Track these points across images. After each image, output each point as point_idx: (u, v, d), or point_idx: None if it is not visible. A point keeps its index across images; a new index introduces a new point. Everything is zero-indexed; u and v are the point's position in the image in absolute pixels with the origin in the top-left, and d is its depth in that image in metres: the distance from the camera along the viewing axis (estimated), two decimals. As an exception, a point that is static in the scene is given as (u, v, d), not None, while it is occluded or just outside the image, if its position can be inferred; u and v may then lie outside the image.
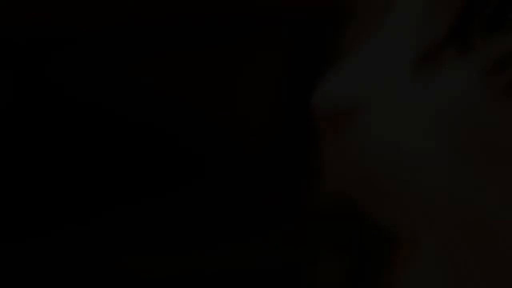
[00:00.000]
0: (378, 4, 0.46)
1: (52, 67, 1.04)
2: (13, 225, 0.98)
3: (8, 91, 1.04)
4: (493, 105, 0.38)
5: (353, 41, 0.45)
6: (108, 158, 1.06)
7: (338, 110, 0.41)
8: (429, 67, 0.41)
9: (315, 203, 0.51)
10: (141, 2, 1.05)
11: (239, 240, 0.99)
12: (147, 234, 1.02)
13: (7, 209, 0.99)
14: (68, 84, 1.05)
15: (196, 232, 1.03)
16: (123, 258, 0.99)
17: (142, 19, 1.06)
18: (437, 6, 0.41)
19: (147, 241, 1.02)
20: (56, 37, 1.02)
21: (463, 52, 0.40)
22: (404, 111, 0.41)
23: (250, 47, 1.11)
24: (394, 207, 0.42)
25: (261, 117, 1.13)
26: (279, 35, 1.11)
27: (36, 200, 1.00)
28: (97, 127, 1.07)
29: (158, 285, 0.97)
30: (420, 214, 0.41)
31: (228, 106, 1.15)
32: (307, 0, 1.07)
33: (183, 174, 1.08)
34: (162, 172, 1.08)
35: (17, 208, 0.99)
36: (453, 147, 0.40)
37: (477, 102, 0.39)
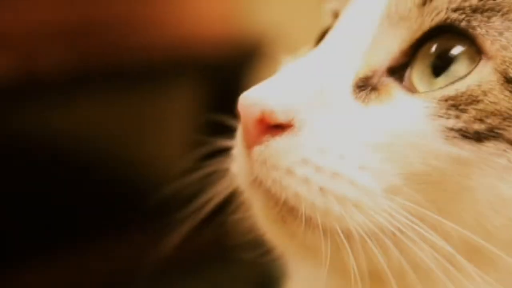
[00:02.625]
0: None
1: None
2: None
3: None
4: (445, 147, 0.37)
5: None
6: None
7: (266, 113, 0.37)
8: (371, 93, 0.39)
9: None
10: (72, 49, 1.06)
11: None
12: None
13: None
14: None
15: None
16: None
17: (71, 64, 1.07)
18: (384, 35, 0.39)
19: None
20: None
21: (409, 87, 0.39)
22: (341, 134, 0.38)
23: (169, 91, 1.12)
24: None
25: (180, 155, 1.13)
26: (196, 79, 1.12)
27: None
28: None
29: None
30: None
31: (149, 146, 1.15)
32: (219, 47, 1.09)
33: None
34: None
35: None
36: (390, 183, 0.38)
37: (426, 141, 0.37)
